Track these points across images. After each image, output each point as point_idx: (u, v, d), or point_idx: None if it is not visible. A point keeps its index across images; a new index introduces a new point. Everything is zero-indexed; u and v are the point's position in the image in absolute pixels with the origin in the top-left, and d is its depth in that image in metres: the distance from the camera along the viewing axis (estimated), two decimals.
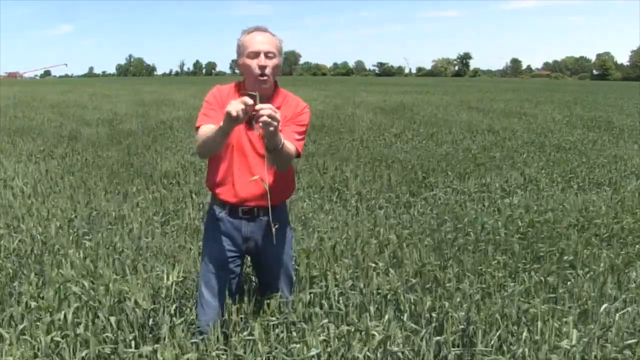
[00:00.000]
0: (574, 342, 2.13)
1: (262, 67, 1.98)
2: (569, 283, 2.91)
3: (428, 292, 2.69)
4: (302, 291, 2.57)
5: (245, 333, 2.19)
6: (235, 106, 1.73)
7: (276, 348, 2.12)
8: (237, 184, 2.09)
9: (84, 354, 2.12)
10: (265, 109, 1.73)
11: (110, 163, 6.63)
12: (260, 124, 1.74)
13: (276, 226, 2.03)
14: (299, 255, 3.03)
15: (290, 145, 1.99)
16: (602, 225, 3.98)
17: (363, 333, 2.17)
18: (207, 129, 1.96)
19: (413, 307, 2.51)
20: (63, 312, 2.34)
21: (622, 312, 2.49)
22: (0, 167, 6.31)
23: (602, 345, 2.18)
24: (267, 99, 2.02)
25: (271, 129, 1.75)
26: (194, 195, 4.91)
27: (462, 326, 2.29)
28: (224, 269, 2.18)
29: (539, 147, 8.07)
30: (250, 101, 1.74)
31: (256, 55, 1.99)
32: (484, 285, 2.80)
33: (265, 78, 2.00)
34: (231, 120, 1.75)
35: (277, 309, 2.30)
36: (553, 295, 2.74)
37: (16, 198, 4.72)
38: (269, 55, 2.00)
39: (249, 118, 1.82)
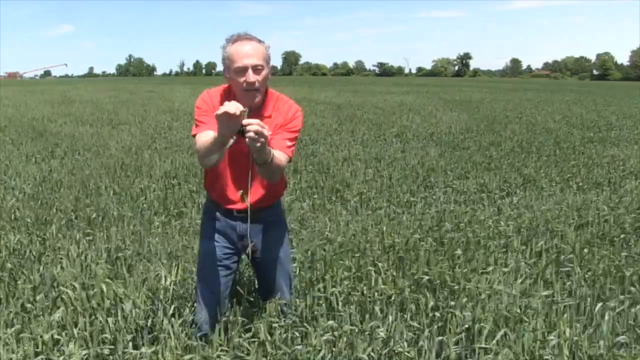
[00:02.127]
0: (567, 336, 2.14)
1: (251, 84, 1.91)
2: (567, 284, 2.91)
3: (432, 291, 2.68)
4: (302, 294, 2.56)
5: (249, 334, 2.19)
6: (234, 106, 1.66)
7: (280, 349, 2.11)
8: (230, 189, 2.09)
9: (83, 353, 2.12)
10: (253, 125, 1.65)
11: None
12: (247, 140, 1.67)
13: (252, 243, 2.10)
14: (301, 256, 3.03)
15: (280, 155, 1.93)
16: (601, 225, 3.98)
17: (367, 334, 2.17)
18: (204, 139, 1.88)
19: (416, 307, 2.51)
20: (57, 314, 2.35)
21: (618, 310, 2.49)
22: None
23: (592, 342, 2.18)
24: (257, 107, 1.98)
25: (258, 144, 1.68)
26: (194, 195, 4.91)
27: (466, 325, 2.29)
28: (220, 265, 2.18)
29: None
30: (242, 108, 1.67)
31: (244, 70, 1.89)
32: (483, 285, 2.80)
33: (255, 93, 1.94)
34: (228, 121, 1.67)
35: (278, 309, 2.30)
36: (549, 291, 2.74)
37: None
38: (258, 68, 1.91)
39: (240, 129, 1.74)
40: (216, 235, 2.17)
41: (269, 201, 2.17)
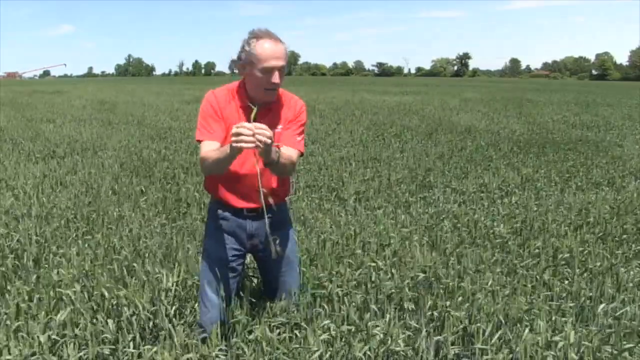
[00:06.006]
0: (572, 340, 2.14)
1: (276, 85, 1.97)
2: (566, 282, 2.92)
3: (429, 290, 2.69)
4: (304, 293, 2.57)
5: (251, 336, 2.19)
6: (237, 139, 1.72)
7: (278, 348, 2.12)
8: (241, 186, 2.10)
9: (82, 353, 2.13)
10: (258, 130, 1.72)
11: None
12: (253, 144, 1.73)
13: (277, 241, 2.05)
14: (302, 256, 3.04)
15: (291, 151, 2.00)
16: (599, 225, 3.99)
17: (364, 333, 2.18)
18: (212, 148, 1.94)
19: (414, 306, 2.52)
20: (59, 314, 2.34)
21: (621, 312, 2.50)
22: None
23: (599, 345, 2.18)
24: (266, 102, 2.04)
25: (262, 146, 1.73)
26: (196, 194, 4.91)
27: (463, 325, 2.30)
28: (227, 267, 2.18)
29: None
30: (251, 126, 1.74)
31: (271, 71, 1.94)
32: (482, 282, 2.81)
33: (275, 92, 2.01)
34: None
35: (281, 309, 2.31)
36: (549, 292, 2.75)
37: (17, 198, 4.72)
38: (282, 69, 1.97)
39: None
40: (225, 236, 2.17)
41: (276, 201, 2.16)
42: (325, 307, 2.45)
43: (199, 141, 2.02)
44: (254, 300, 2.39)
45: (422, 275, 2.81)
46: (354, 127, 10.62)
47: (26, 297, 2.60)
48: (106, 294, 2.57)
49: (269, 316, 2.29)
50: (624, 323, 2.39)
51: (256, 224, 2.16)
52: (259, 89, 1.99)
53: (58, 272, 2.93)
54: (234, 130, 1.74)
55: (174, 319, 2.34)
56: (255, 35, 1.96)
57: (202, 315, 2.21)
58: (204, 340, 2.17)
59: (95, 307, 2.48)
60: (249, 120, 1.89)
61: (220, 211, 2.17)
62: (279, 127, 2.10)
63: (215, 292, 2.17)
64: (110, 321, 2.30)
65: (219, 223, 2.18)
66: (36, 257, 3.26)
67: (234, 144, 1.74)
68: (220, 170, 1.99)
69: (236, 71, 2.07)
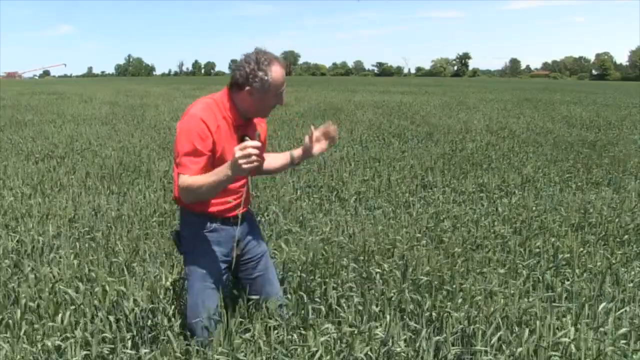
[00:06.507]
0: (572, 336, 2.14)
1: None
2: (566, 282, 2.92)
3: (428, 291, 2.69)
4: (305, 295, 2.56)
5: (247, 335, 2.19)
6: (249, 160, 1.74)
7: (276, 349, 2.11)
8: (233, 196, 2.13)
9: (83, 354, 2.12)
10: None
11: None
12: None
13: (239, 244, 2.19)
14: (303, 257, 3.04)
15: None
16: (598, 224, 3.99)
17: (365, 334, 2.18)
18: (200, 181, 1.90)
19: (414, 307, 2.52)
20: (60, 316, 2.33)
21: (620, 311, 2.50)
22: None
23: (599, 340, 2.18)
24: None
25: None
26: None
27: (462, 326, 2.30)
28: (221, 281, 2.17)
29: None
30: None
31: (282, 93, 2.04)
32: (482, 287, 2.80)
33: None
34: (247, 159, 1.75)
35: (276, 309, 2.31)
36: (551, 293, 2.75)
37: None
38: None
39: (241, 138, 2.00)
40: (214, 250, 2.14)
41: (247, 204, 2.30)
42: (323, 309, 2.44)
43: (182, 173, 1.95)
44: (252, 301, 2.38)
45: (424, 279, 2.80)
46: (354, 127, 10.60)
47: (29, 301, 2.59)
48: (107, 287, 2.57)
49: (265, 317, 2.28)
50: (624, 323, 2.39)
51: (241, 228, 2.20)
52: (265, 109, 2.08)
53: (59, 271, 2.93)
54: (241, 153, 1.73)
55: (172, 319, 2.33)
56: (268, 61, 1.96)
57: (200, 334, 2.13)
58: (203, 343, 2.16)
59: (96, 304, 2.47)
60: (241, 139, 1.95)
61: (208, 224, 2.13)
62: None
63: (212, 309, 2.13)
64: (111, 317, 2.29)
65: (209, 237, 2.14)
66: (36, 257, 3.26)
67: (246, 166, 1.73)
68: (213, 194, 1.98)
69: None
